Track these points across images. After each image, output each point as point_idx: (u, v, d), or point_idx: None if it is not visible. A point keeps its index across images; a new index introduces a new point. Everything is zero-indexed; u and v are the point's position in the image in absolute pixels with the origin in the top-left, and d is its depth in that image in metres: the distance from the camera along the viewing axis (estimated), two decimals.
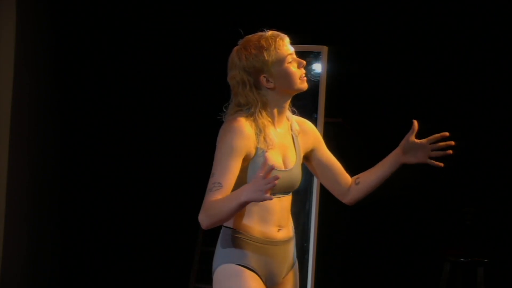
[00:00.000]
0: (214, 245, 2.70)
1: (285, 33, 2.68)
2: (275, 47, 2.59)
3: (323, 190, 4.51)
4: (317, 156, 2.80)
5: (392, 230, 5.50)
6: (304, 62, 2.65)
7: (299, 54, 2.69)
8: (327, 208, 4.84)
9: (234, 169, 2.52)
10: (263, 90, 2.62)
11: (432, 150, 2.68)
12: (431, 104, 5.52)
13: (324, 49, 4.39)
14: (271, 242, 2.64)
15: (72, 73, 5.51)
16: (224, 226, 2.65)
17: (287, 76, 2.61)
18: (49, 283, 5.35)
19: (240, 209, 2.46)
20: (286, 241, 2.69)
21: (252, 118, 2.60)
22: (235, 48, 2.65)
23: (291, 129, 2.73)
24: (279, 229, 2.66)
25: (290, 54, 2.63)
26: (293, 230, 2.76)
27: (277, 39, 2.60)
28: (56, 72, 5.35)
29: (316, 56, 4.44)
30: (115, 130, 5.60)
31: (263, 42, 2.59)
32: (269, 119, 2.64)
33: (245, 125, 2.57)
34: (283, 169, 2.63)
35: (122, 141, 5.63)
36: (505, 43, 5.32)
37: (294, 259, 2.78)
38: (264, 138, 2.59)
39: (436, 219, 5.49)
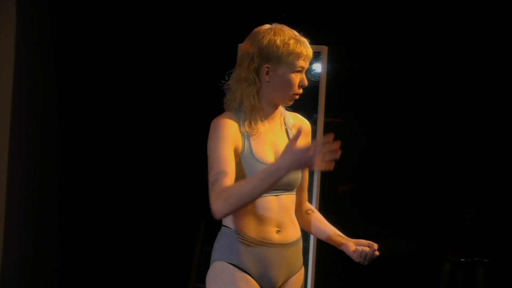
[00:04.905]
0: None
1: None
2: (296, 54, 2.57)
3: (323, 190, 4.52)
4: None
5: (392, 230, 5.49)
6: (306, 83, 2.62)
7: None
8: (327, 208, 4.84)
9: (230, 157, 2.50)
10: (261, 78, 2.61)
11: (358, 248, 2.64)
12: (431, 104, 5.51)
13: (324, 49, 4.40)
14: (267, 244, 2.59)
15: (72, 73, 5.51)
16: (223, 225, 2.64)
17: (285, 83, 2.59)
18: (49, 283, 5.35)
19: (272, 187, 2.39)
20: (286, 245, 2.62)
21: (235, 112, 2.60)
22: (267, 26, 2.63)
23: (285, 124, 2.69)
24: (277, 231, 2.60)
25: (301, 68, 2.60)
26: (299, 234, 2.69)
27: (303, 50, 2.58)
28: (56, 72, 5.35)
29: (316, 56, 4.44)
30: (115, 129, 5.59)
31: (291, 42, 2.57)
32: (260, 107, 2.62)
33: (229, 118, 2.58)
34: None
35: (122, 141, 5.62)
36: (505, 43, 5.32)
37: (299, 265, 2.69)
38: (250, 123, 2.59)
39: (436, 219, 5.48)
